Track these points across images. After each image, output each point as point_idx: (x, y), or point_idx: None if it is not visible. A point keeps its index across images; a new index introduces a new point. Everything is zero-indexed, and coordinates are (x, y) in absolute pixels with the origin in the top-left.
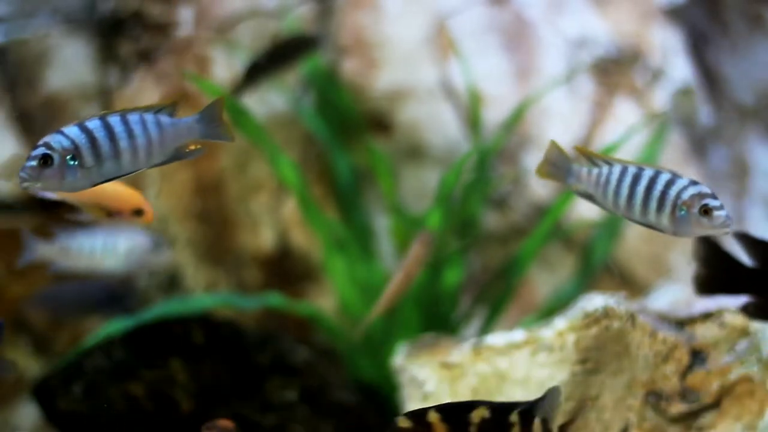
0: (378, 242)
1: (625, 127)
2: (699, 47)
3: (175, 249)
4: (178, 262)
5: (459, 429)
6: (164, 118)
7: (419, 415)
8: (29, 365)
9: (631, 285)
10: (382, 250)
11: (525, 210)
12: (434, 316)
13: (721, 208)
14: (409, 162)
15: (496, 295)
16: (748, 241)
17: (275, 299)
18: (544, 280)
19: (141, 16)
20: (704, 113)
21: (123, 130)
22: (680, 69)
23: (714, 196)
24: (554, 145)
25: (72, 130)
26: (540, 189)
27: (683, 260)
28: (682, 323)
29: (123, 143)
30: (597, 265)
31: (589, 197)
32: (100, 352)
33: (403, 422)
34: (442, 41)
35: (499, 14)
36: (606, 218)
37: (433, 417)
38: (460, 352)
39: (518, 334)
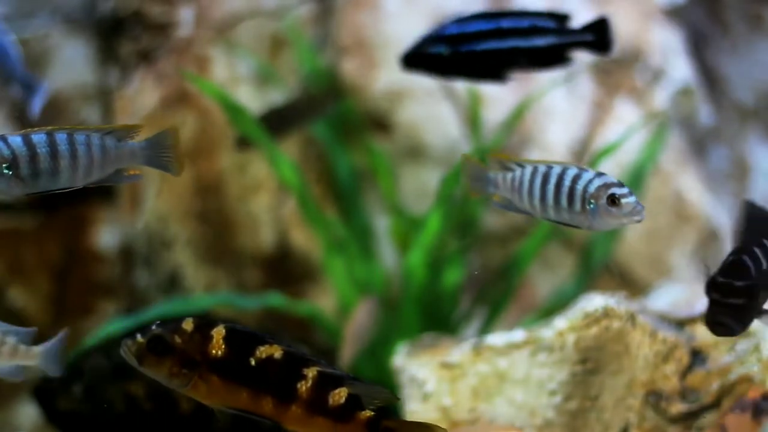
0: (378, 242)
1: (625, 127)
2: (699, 47)
3: (175, 249)
4: (178, 262)
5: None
6: (110, 141)
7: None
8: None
9: (631, 285)
10: (382, 250)
11: None
12: (434, 316)
13: (629, 195)
14: (409, 162)
15: (496, 295)
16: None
17: (275, 299)
18: (544, 280)
19: (141, 16)
20: (704, 113)
21: (66, 149)
22: (680, 69)
23: (620, 185)
24: (468, 159)
25: (15, 140)
26: None
27: (683, 260)
28: (682, 323)
29: (63, 162)
30: (597, 265)
31: (510, 205)
32: (100, 352)
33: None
34: None
35: None
36: None
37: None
38: (460, 352)
39: (518, 334)
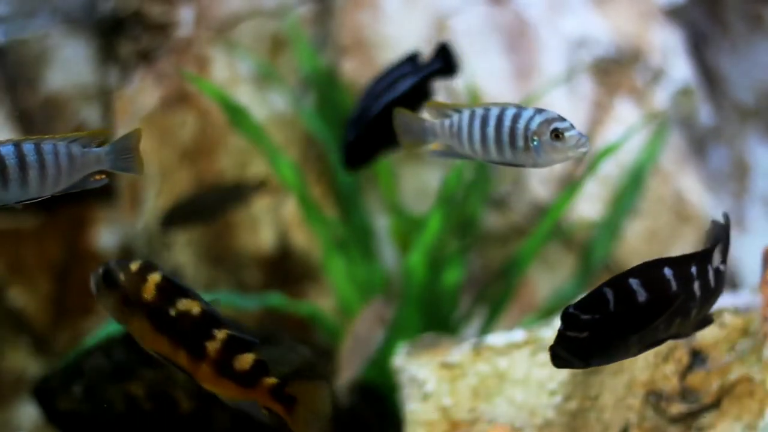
0: (378, 242)
1: (625, 127)
2: (699, 47)
3: (175, 249)
4: (178, 262)
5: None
6: (76, 148)
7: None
8: (29, 365)
9: None
10: (382, 250)
11: (525, 210)
12: (434, 316)
13: (571, 128)
14: (409, 162)
15: (496, 295)
16: None
17: (275, 299)
18: (544, 280)
19: (141, 16)
20: (704, 113)
21: (35, 160)
22: (680, 69)
23: (562, 119)
24: (400, 113)
25: None
26: (540, 189)
27: None
28: None
29: (32, 172)
30: (597, 265)
31: (449, 152)
32: (100, 352)
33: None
34: None
35: (499, 14)
36: (606, 218)
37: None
38: (460, 352)
39: (518, 334)
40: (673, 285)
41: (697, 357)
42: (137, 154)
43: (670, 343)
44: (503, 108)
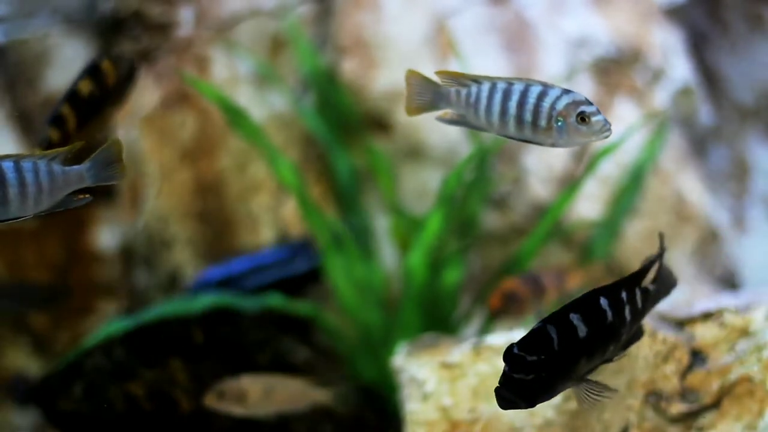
0: (378, 242)
1: (625, 127)
2: (699, 47)
3: (175, 249)
4: (178, 262)
5: None
6: (56, 167)
7: None
8: (29, 365)
9: None
10: (382, 250)
11: (525, 210)
12: (434, 316)
13: (597, 113)
14: (409, 162)
15: None
16: None
17: (275, 299)
18: None
19: (141, 16)
20: (704, 113)
21: (14, 177)
22: (680, 69)
23: (589, 103)
24: (414, 74)
25: None
26: (540, 189)
27: (683, 260)
28: (682, 323)
29: (12, 190)
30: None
31: (460, 121)
32: (100, 352)
33: None
34: (442, 41)
35: (499, 14)
36: (606, 218)
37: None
38: (460, 352)
39: (518, 334)
40: (609, 315)
41: (697, 357)
42: (120, 165)
43: (670, 343)
44: (528, 84)
